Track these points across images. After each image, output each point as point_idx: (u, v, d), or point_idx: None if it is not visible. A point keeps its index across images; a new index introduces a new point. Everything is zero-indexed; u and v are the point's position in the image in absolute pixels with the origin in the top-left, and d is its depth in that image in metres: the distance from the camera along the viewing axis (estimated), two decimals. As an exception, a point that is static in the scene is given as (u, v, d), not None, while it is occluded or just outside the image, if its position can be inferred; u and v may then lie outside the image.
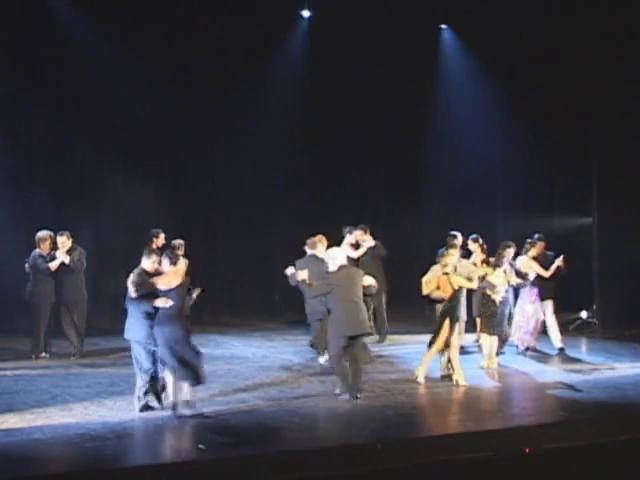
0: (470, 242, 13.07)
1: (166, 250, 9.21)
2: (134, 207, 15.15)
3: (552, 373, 11.35)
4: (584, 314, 15.40)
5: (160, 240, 12.72)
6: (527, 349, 12.69)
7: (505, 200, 17.38)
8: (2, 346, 12.78)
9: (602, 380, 10.94)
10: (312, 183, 16.78)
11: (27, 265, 12.14)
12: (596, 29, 15.16)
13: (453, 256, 10.83)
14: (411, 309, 16.50)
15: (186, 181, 15.93)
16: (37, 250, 12.10)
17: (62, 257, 12.00)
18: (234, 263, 16.45)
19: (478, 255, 12.67)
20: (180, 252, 12.39)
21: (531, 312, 12.61)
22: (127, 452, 7.84)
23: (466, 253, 13.20)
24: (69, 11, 14.60)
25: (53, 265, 12.00)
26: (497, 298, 11.50)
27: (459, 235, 13.46)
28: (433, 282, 10.63)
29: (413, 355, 12.63)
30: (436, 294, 10.65)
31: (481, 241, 13.11)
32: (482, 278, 11.54)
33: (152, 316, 8.87)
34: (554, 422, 9.11)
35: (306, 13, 16.63)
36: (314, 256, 11.73)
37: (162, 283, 8.87)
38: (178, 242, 12.77)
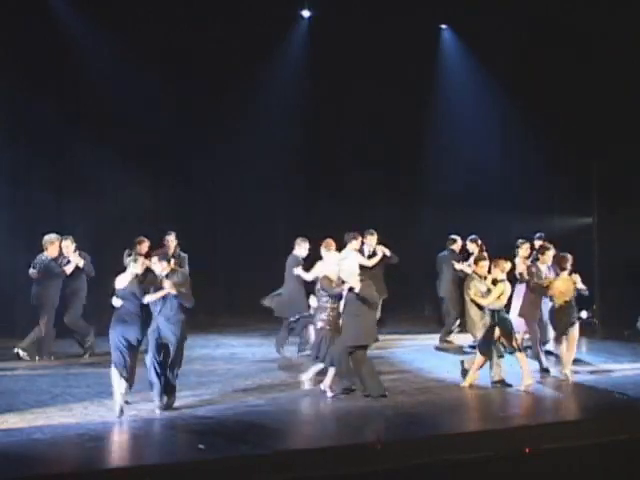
0: (469, 243, 13.09)
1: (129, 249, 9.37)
2: (134, 207, 15.17)
3: (552, 373, 11.33)
4: (584, 314, 15.37)
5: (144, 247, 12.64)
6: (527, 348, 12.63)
7: (505, 200, 17.36)
8: (2, 346, 12.77)
9: (602, 380, 10.94)
10: (312, 183, 16.77)
11: (34, 269, 11.93)
12: (596, 29, 15.16)
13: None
14: (412, 310, 16.53)
15: (186, 181, 15.91)
16: (45, 253, 11.94)
17: (77, 260, 11.97)
18: (234, 263, 16.45)
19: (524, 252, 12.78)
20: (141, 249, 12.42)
21: None
22: (127, 452, 7.84)
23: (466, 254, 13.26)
24: (69, 11, 14.59)
25: (69, 269, 11.95)
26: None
27: (459, 239, 13.49)
28: (495, 293, 10.46)
29: (413, 355, 12.65)
30: (498, 304, 10.48)
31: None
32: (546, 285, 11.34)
33: (141, 316, 8.97)
34: (554, 422, 9.11)
35: (306, 13, 16.62)
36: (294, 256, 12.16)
37: (117, 281, 9.00)
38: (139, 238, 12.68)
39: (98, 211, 15.03)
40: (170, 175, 15.76)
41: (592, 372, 11.50)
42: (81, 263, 12.04)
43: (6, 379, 10.58)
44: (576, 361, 12.17)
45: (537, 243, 13.09)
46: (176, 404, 9.11)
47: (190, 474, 7.42)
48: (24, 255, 13.00)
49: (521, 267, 12.44)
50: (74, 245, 12.14)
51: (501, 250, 13.71)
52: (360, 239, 12.84)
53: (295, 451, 7.94)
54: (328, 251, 11.61)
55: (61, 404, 9.34)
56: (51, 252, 11.94)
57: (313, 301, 10.63)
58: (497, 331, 10.41)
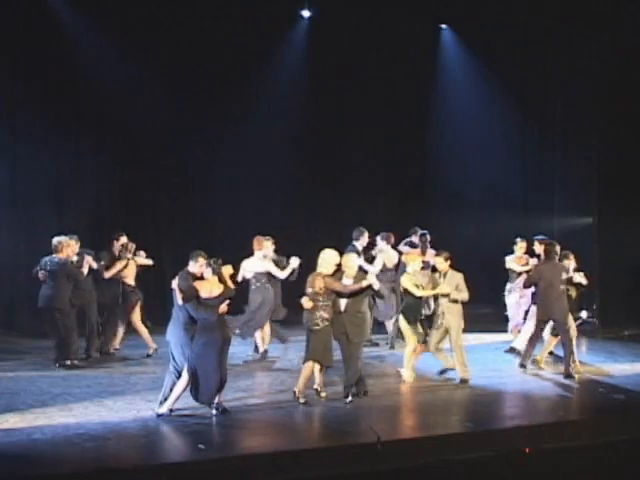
0: (537, 243, 12.75)
1: (210, 259, 9.23)
2: (133, 208, 15.19)
3: (552, 373, 11.33)
4: (584, 314, 15.40)
5: (121, 242, 12.57)
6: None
7: (505, 200, 17.38)
8: (2, 346, 12.78)
9: (602, 380, 10.94)
10: (312, 183, 16.76)
11: (42, 271, 11.46)
12: (596, 28, 15.18)
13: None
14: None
15: (186, 181, 15.91)
16: (58, 255, 11.48)
17: (91, 262, 11.75)
18: (234, 263, 16.42)
19: (520, 250, 12.80)
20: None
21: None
22: (127, 452, 7.84)
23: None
24: (69, 11, 14.59)
25: (85, 270, 11.67)
26: None
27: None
28: None
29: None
30: None
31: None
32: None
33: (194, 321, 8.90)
34: (554, 422, 9.10)
35: (306, 13, 16.62)
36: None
37: (204, 290, 8.88)
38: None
39: (97, 212, 15.03)
40: (170, 175, 15.75)
41: (592, 372, 11.49)
42: (95, 265, 11.83)
43: (6, 379, 10.59)
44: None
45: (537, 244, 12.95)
46: (176, 404, 9.09)
47: (190, 474, 7.42)
48: (25, 255, 12.99)
49: (512, 265, 12.52)
50: (78, 245, 11.84)
51: (501, 250, 13.75)
52: (365, 239, 13.01)
53: (295, 451, 7.93)
54: (259, 250, 12.10)
55: (61, 404, 9.34)
56: (65, 254, 11.53)
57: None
58: None
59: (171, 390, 8.96)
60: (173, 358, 9.04)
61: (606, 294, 15.45)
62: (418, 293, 10.75)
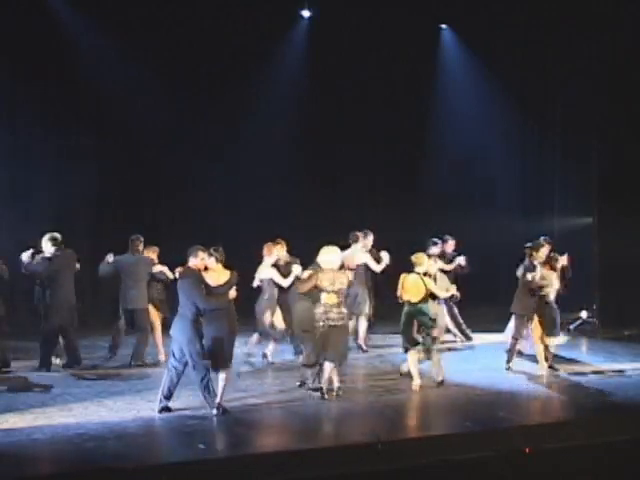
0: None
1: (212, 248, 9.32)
2: (133, 208, 15.18)
3: (552, 373, 11.33)
4: (584, 314, 15.40)
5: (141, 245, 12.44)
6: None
7: (505, 200, 17.39)
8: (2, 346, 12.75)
9: (602, 380, 10.94)
10: (312, 183, 16.77)
11: None
12: (596, 28, 15.18)
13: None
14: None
15: (186, 181, 15.92)
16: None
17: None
18: (233, 263, 16.42)
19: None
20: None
21: None
22: (127, 452, 7.84)
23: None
24: (69, 11, 14.60)
25: None
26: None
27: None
28: None
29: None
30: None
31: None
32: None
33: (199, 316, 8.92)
34: (554, 422, 9.11)
35: (306, 13, 16.64)
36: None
37: (212, 279, 8.99)
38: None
39: (97, 211, 15.03)
40: (170, 175, 15.75)
41: (592, 372, 11.49)
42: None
43: (6, 379, 10.58)
44: (576, 361, 12.21)
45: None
46: (176, 404, 9.11)
47: (190, 474, 7.42)
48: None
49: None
50: (49, 244, 11.37)
51: (501, 250, 13.76)
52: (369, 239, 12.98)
53: (295, 451, 7.93)
54: (268, 256, 11.88)
55: (61, 404, 9.35)
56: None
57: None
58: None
59: (169, 388, 8.99)
60: (173, 355, 9.03)
61: (606, 294, 15.45)
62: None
